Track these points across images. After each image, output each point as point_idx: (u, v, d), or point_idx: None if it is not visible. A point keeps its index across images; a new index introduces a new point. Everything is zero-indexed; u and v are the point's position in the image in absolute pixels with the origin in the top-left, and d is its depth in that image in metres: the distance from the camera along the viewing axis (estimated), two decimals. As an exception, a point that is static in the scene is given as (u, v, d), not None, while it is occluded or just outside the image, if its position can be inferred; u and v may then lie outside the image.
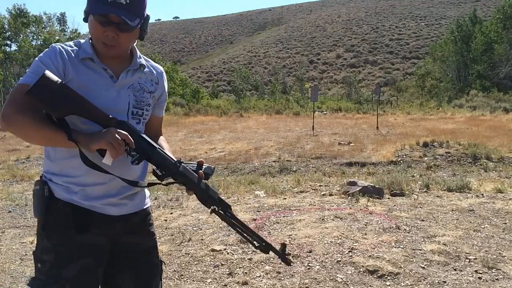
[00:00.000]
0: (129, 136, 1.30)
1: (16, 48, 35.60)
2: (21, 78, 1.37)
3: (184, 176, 1.37)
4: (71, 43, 1.45)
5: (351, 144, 10.76)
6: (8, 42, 35.40)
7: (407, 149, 9.53)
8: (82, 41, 1.46)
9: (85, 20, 1.42)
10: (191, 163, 1.43)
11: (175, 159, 1.38)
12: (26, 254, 3.75)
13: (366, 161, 8.71)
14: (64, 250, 1.39)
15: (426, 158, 8.76)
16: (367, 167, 8.13)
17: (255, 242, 1.43)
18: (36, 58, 1.40)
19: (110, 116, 1.34)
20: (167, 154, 1.38)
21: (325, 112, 24.28)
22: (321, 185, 6.40)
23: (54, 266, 1.38)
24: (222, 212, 1.41)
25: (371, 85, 43.94)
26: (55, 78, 1.27)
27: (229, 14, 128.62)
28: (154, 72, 1.59)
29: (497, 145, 9.54)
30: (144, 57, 1.58)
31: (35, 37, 37.41)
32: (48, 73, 1.26)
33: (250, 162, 9.04)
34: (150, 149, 1.35)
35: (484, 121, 15.97)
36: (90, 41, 1.45)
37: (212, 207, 1.39)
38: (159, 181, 1.39)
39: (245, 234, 1.45)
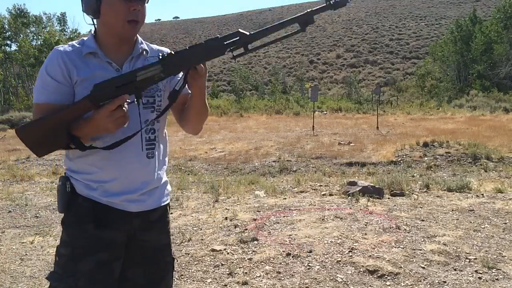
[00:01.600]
0: (114, 102, 1.27)
1: (16, 48, 35.59)
2: (34, 95, 1.42)
3: (178, 59, 1.30)
4: (74, 42, 1.46)
5: (351, 144, 10.76)
6: (8, 42, 35.40)
7: (407, 149, 9.53)
8: (86, 38, 1.47)
9: (95, 13, 1.40)
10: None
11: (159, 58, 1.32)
12: (26, 254, 3.75)
13: (366, 161, 8.70)
14: (81, 244, 1.42)
15: (426, 158, 8.76)
16: (367, 167, 8.13)
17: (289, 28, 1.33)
18: (43, 68, 1.41)
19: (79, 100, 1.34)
20: (144, 67, 1.33)
21: (325, 112, 24.26)
22: (321, 185, 6.39)
23: (70, 259, 1.41)
24: (243, 50, 1.30)
25: (371, 85, 43.91)
26: (30, 127, 1.34)
27: (229, 14, 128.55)
28: (160, 55, 1.57)
29: (497, 145, 9.53)
30: (147, 42, 1.57)
31: (35, 37, 37.41)
32: (20, 130, 1.33)
33: (250, 162, 9.04)
34: (131, 79, 1.30)
35: (484, 121, 15.96)
36: (94, 36, 1.46)
37: (226, 53, 1.30)
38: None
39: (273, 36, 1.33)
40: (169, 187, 1.63)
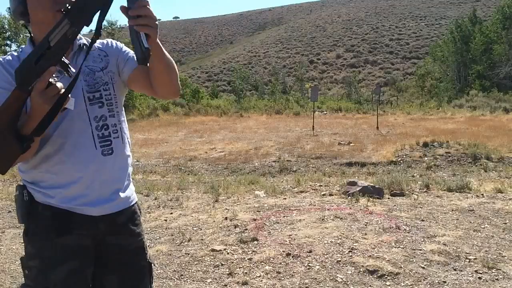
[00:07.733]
0: (42, 79, 1.16)
1: (16, 48, 35.53)
2: None
3: (81, 2, 1.16)
4: (11, 51, 1.42)
5: (351, 144, 10.76)
6: (8, 42, 35.37)
7: (407, 149, 9.54)
8: (24, 46, 1.43)
9: (23, 15, 1.33)
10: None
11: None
12: (26, 254, 3.75)
13: (366, 161, 8.71)
14: (49, 255, 1.36)
15: (426, 158, 8.77)
16: (367, 167, 8.14)
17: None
18: None
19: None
20: (53, 29, 1.19)
21: (325, 112, 24.26)
22: (321, 185, 6.39)
23: (41, 271, 1.36)
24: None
25: (371, 85, 43.92)
26: None
27: (229, 14, 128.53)
28: (100, 46, 1.48)
29: (497, 145, 9.54)
30: (86, 38, 1.46)
31: (35, 37, 37.38)
32: None
33: (250, 162, 9.04)
34: (45, 47, 1.16)
35: (484, 121, 15.97)
36: (31, 41, 1.40)
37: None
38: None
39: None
40: (132, 186, 1.54)
